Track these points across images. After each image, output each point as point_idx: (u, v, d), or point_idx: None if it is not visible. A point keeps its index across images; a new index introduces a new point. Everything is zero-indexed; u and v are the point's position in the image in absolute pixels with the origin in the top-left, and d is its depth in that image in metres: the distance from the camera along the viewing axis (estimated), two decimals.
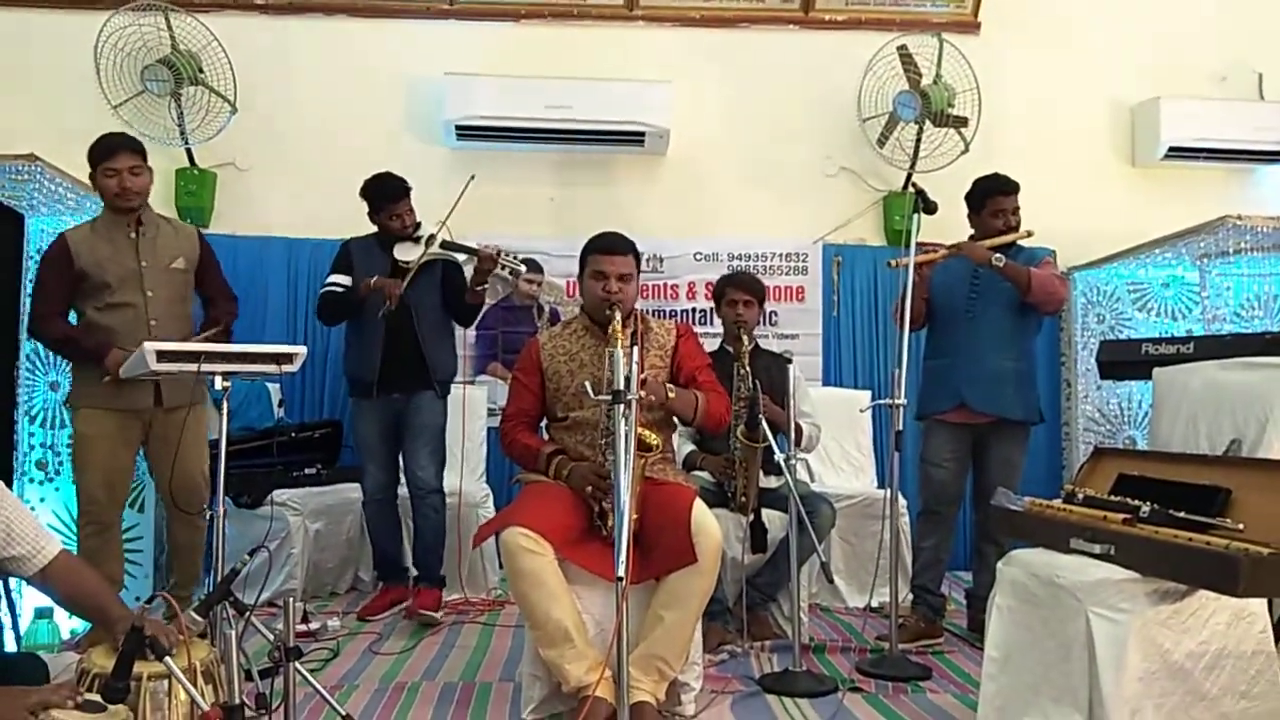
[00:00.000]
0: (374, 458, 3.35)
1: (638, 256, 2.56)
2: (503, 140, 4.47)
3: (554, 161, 4.64)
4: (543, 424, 2.64)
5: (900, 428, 2.85)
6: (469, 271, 3.30)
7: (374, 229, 3.38)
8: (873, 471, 4.15)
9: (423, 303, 3.29)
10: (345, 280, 3.29)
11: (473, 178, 3.20)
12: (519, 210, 4.49)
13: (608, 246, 2.51)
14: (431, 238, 3.25)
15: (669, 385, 2.45)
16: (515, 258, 3.30)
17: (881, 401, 3.40)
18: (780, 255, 4.74)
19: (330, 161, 4.44)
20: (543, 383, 2.54)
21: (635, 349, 2.11)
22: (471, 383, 3.57)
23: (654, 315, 4.64)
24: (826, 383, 4.59)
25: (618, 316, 2.35)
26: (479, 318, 3.51)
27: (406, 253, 3.28)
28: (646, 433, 2.34)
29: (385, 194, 3.28)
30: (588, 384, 2.19)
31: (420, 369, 3.27)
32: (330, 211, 4.31)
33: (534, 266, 4.41)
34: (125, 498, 2.93)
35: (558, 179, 4.65)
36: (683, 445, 3.19)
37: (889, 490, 3.02)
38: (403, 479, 3.43)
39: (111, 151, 2.84)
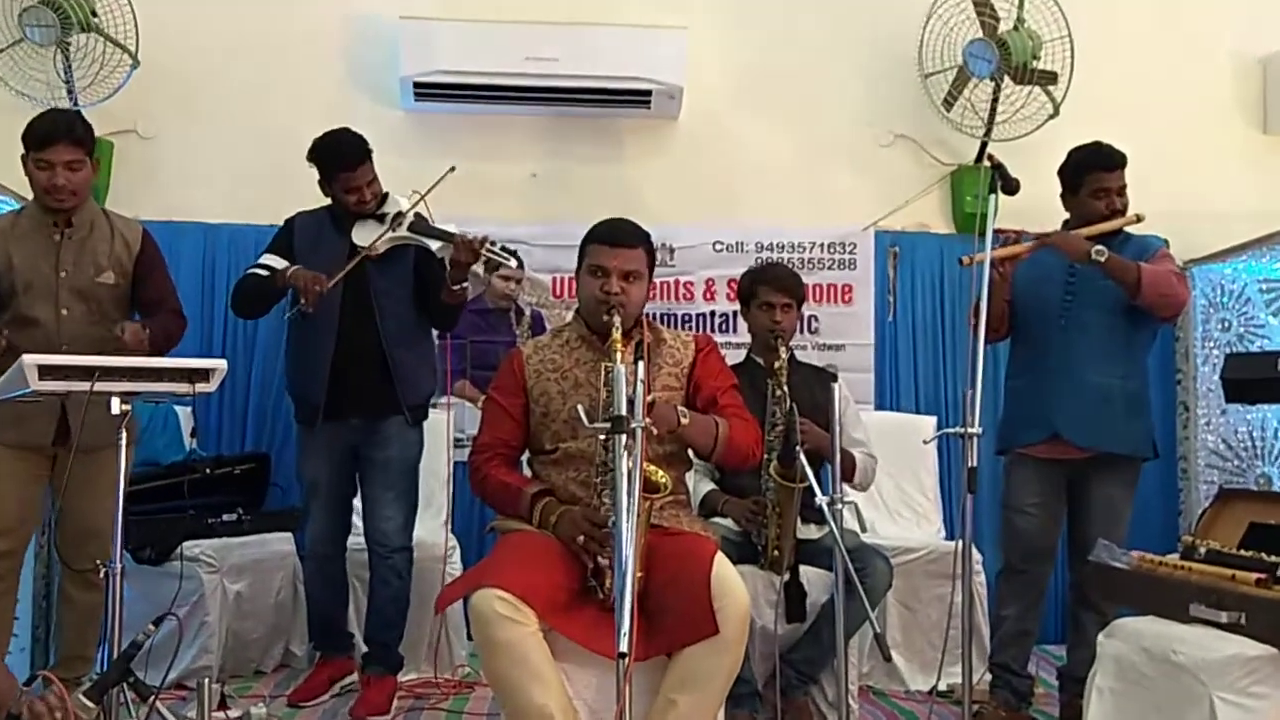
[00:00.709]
0: (320, 500, 3.34)
1: (651, 253, 2.57)
2: (472, 101, 4.49)
3: (536, 128, 4.66)
4: (524, 458, 2.65)
5: (975, 463, 2.84)
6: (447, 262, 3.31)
7: (328, 202, 3.36)
8: (940, 519, 4.16)
9: (389, 299, 3.28)
10: (278, 263, 3.26)
11: (452, 169, 3.22)
12: (491, 188, 4.51)
13: (612, 236, 2.52)
14: (399, 217, 3.26)
15: (682, 410, 2.46)
16: (503, 248, 3.30)
17: (951, 430, 3.38)
18: (822, 246, 4.76)
19: (256, 128, 4.47)
20: (527, 406, 2.55)
21: (641, 364, 2.11)
22: (433, 405, 3.57)
23: (665, 322, 4.60)
24: (881, 406, 4.61)
25: (617, 322, 2.36)
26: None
27: (367, 234, 3.26)
28: (654, 469, 2.34)
29: (339, 158, 3.24)
30: (581, 408, 2.20)
31: (385, 386, 3.26)
32: (256, 191, 4.36)
33: (514, 255, 4.42)
34: (23, 551, 2.95)
35: (541, 150, 4.68)
36: (700, 484, 3.19)
37: (961, 543, 3.01)
38: (355, 528, 3.44)
39: (47, 140, 2.87)
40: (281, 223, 3.41)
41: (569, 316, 2.72)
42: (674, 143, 4.73)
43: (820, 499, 2.61)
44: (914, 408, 4.60)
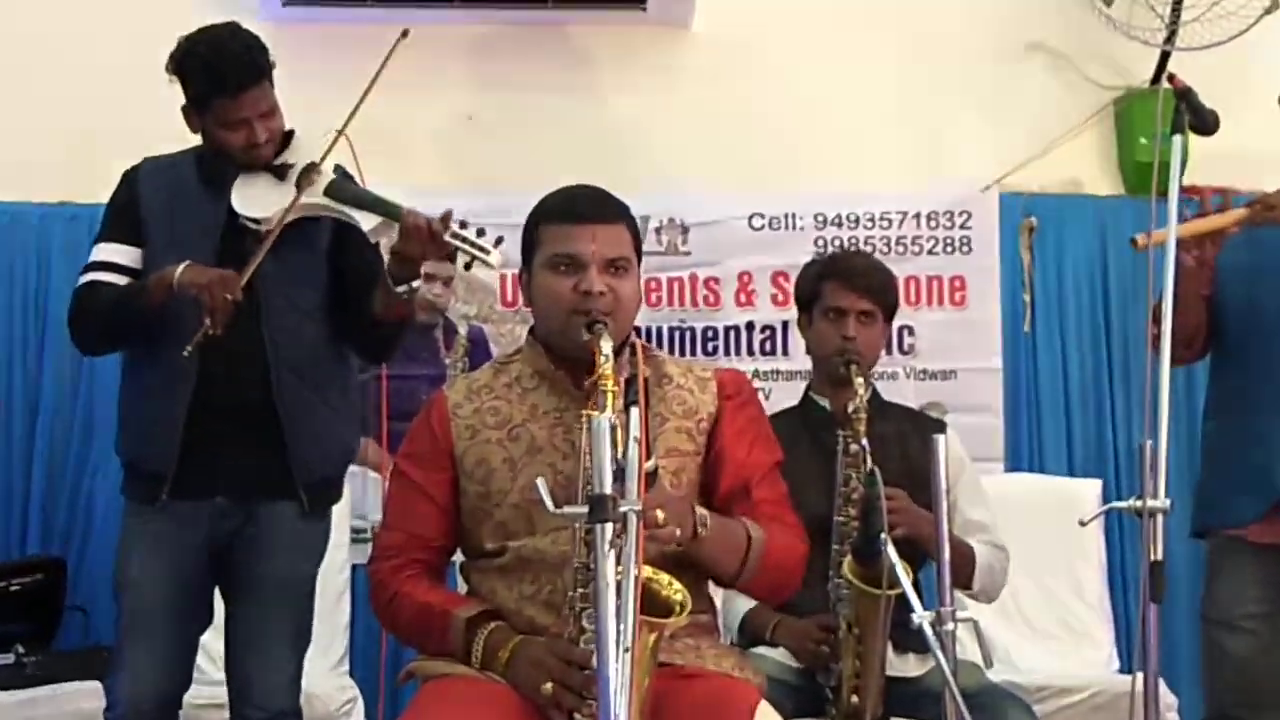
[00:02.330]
0: (146, 631, 3.30)
1: (635, 230, 2.56)
2: (368, 3, 4.56)
3: (471, 42, 4.73)
4: (455, 561, 2.65)
5: (1159, 555, 2.83)
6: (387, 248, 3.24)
7: (196, 141, 3.27)
8: (1110, 640, 4.17)
9: (287, 308, 3.25)
10: (127, 257, 3.23)
11: (405, 34, 3.21)
12: (403, 138, 4.55)
13: (579, 208, 2.53)
14: (310, 172, 3.23)
15: (702, 515, 2.45)
16: (480, 233, 3.28)
17: (1122, 504, 3.36)
18: (919, 219, 4.80)
19: (51, 61, 4.48)
20: (455, 482, 2.53)
21: (635, 411, 2.11)
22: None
23: (671, 344, 4.59)
24: (1015, 466, 4.65)
25: (605, 347, 2.35)
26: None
27: (258, 198, 3.20)
28: (661, 577, 2.33)
29: (218, 72, 3.18)
30: (542, 484, 2.18)
31: (271, 451, 3.24)
32: (47, 154, 4.39)
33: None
34: None
35: (478, 77, 4.74)
36: (735, 598, 3.18)
37: (1142, 677, 3.00)
38: (202, 675, 3.40)
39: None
40: (108, 200, 3.33)
41: (523, 336, 2.69)
42: (685, 63, 4.79)
43: (921, 616, 2.60)
44: (1065, 468, 4.63)
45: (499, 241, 3.30)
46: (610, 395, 2.23)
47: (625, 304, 2.49)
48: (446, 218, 3.07)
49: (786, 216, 4.77)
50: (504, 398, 2.57)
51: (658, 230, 4.78)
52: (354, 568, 4.15)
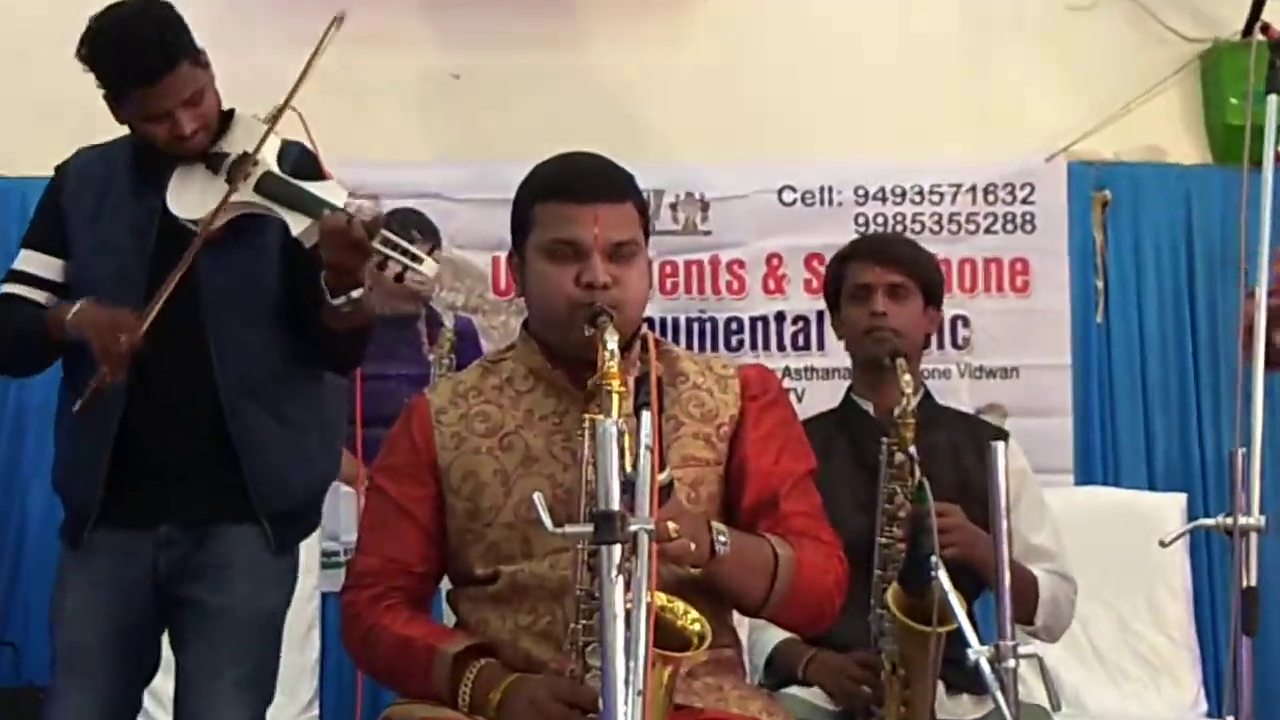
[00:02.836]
0: (83, 675, 3.32)
1: (643, 207, 2.57)
2: None
3: None
4: (442, 588, 2.67)
5: (1253, 581, 2.82)
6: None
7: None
8: (1195, 678, 4.16)
9: (233, 315, 3.26)
10: (47, 269, 3.25)
11: (339, 20, 3.18)
12: (372, 102, 4.59)
13: (581, 184, 2.52)
14: (244, 163, 3.19)
15: (720, 529, 2.44)
16: (413, 222, 3.27)
17: (1209, 522, 3.37)
18: (974, 192, 4.80)
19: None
20: (439, 499, 2.55)
21: (647, 415, 2.11)
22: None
23: (689, 337, 4.58)
24: (1087, 479, 4.65)
25: (610, 342, 2.34)
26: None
27: (197, 193, 3.18)
28: (678, 606, 2.33)
29: (127, 66, 3.21)
30: (540, 500, 2.18)
31: (229, 472, 3.24)
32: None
33: (417, 226, 4.47)
34: None
35: (461, 31, 4.73)
36: (764, 630, 3.19)
37: None
38: None
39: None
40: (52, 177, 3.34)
41: (517, 330, 2.71)
42: (703, 10, 4.80)
43: (978, 651, 2.60)
44: (1144, 480, 4.63)
45: (433, 248, 3.33)
46: (617, 397, 2.22)
47: (633, 294, 2.49)
48: (376, 222, 3.08)
49: (822, 190, 4.78)
50: (494, 401, 2.57)
51: (673, 206, 4.78)
52: (324, 596, 4.15)
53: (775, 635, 3.19)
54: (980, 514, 2.83)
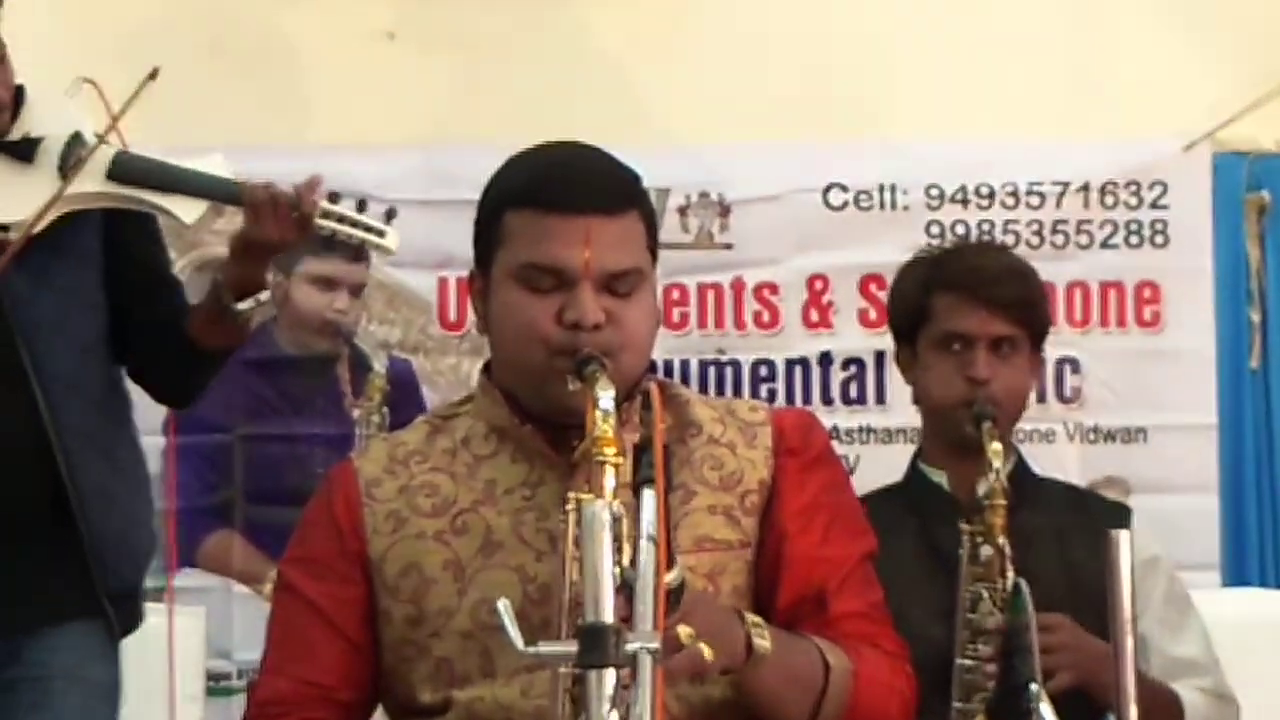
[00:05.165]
0: None
1: (650, 218, 2.58)
2: None
3: None
4: None
5: None
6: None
7: None
8: None
9: (58, 343, 3.34)
10: None
11: (153, 75, 3.24)
12: (275, 70, 4.64)
13: (566, 193, 2.51)
14: (76, 148, 3.26)
15: (756, 622, 2.44)
16: (360, 207, 3.31)
17: None
18: (1086, 192, 4.83)
19: None
20: (371, 600, 2.57)
21: (649, 494, 2.12)
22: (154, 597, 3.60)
23: (703, 381, 4.61)
24: (1238, 579, 4.66)
25: (604, 399, 2.34)
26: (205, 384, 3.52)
27: (7, 200, 3.27)
28: None
29: None
30: (504, 607, 2.19)
31: (60, 550, 3.31)
32: None
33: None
34: None
35: None
36: None
37: None
38: None
39: None
40: None
41: (473, 376, 2.72)
42: None
43: None
44: None
45: (390, 216, 3.34)
46: (611, 470, 2.20)
47: (634, 336, 2.48)
48: (313, 186, 3.12)
49: (882, 190, 4.80)
50: (445, 469, 2.57)
51: (683, 211, 4.81)
52: None
53: None
54: (1097, 623, 2.82)
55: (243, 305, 3.21)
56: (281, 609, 2.63)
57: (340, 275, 4.36)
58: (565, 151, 2.61)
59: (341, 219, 3.14)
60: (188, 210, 3.26)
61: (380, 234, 3.26)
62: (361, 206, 3.26)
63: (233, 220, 3.63)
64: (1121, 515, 3.24)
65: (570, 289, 2.44)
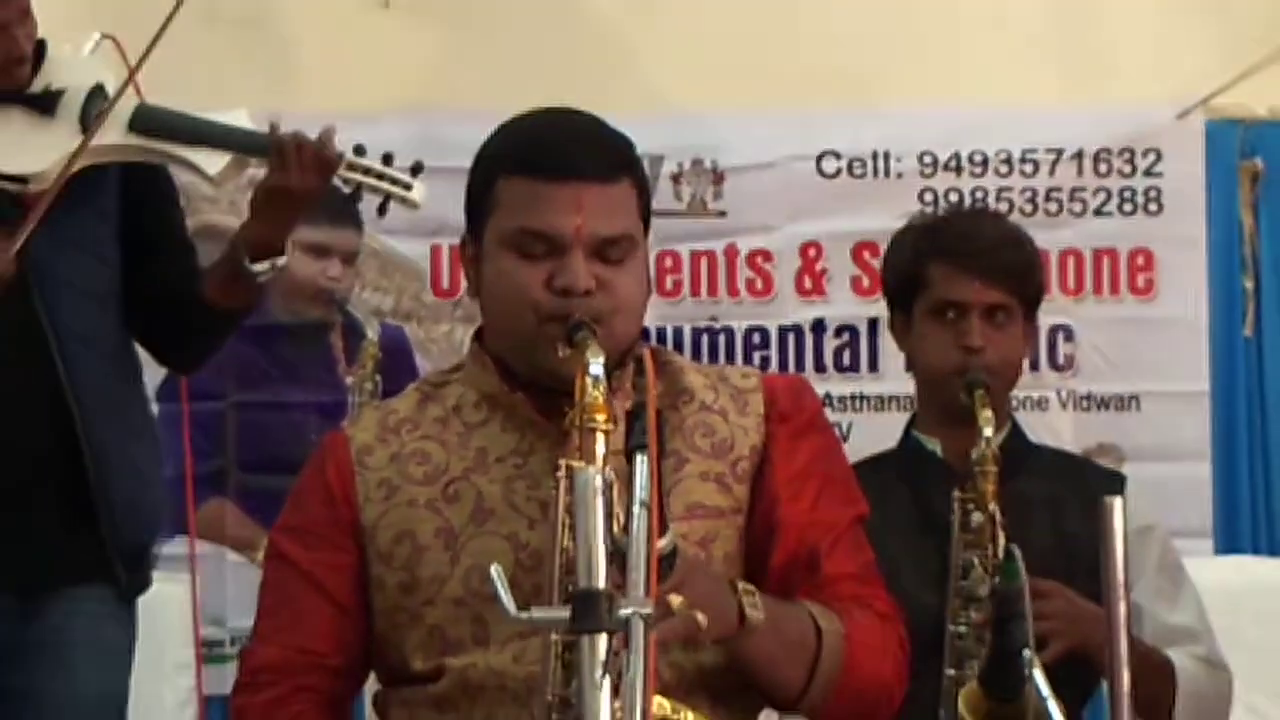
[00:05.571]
0: None
1: (642, 184, 2.59)
2: None
3: None
4: (367, 691, 2.68)
5: None
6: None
7: None
8: None
9: (81, 300, 3.36)
10: None
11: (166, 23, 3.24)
12: (273, 37, 4.65)
13: (557, 159, 2.51)
14: (98, 99, 3.28)
15: (747, 589, 2.44)
16: (386, 160, 3.32)
17: None
18: (1079, 159, 4.84)
19: None
20: (363, 568, 2.57)
21: (643, 460, 2.12)
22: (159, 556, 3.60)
23: (695, 348, 4.61)
24: (1229, 546, 4.68)
25: (594, 366, 2.34)
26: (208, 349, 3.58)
27: (14, 146, 3.30)
28: (679, 711, 2.34)
29: None
30: (497, 572, 2.19)
31: (74, 509, 3.31)
32: None
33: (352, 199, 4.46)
34: None
35: None
36: None
37: None
38: None
39: None
40: None
41: (466, 343, 2.73)
42: None
43: None
44: None
45: (417, 170, 3.34)
46: (602, 437, 2.22)
47: (625, 302, 2.48)
48: (329, 136, 3.12)
49: (876, 157, 4.81)
50: (436, 437, 2.58)
51: (676, 178, 4.82)
52: (208, 701, 4.16)
53: None
54: (1090, 590, 2.83)
55: (259, 267, 3.22)
56: (273, 576, 2.63)
57: (333, 243, 4.36)
58: (558, 118, 2.61)
59: (368, 170, 3.16)
60: (211, 162, 3.27)
61: (407, 186, 3.27)
62: (388, 160, 3.27)
63: (229, 192, 3.63)
64: (1116, 483, 3.23)
65: (561, 255, 2.44)
